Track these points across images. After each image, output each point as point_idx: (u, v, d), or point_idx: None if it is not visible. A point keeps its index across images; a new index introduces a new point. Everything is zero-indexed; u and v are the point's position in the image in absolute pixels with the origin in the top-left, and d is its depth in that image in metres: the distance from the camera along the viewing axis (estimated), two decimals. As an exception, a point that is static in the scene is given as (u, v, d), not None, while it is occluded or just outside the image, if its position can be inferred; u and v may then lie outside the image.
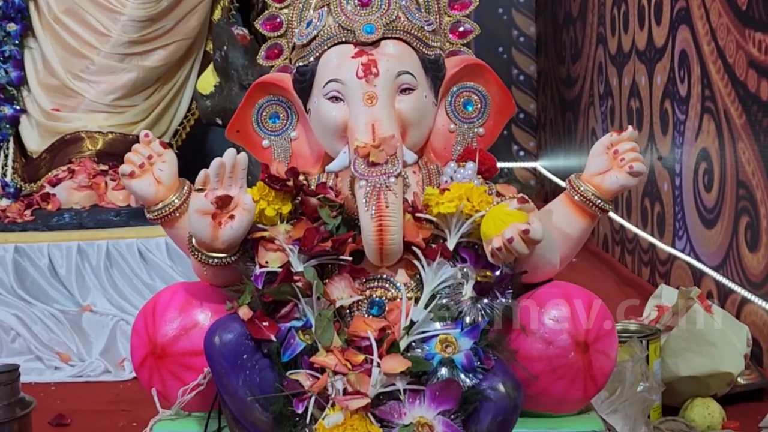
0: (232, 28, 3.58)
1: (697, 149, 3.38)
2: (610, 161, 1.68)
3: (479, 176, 1.68)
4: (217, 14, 3.98)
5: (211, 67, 3.64)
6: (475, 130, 1.76)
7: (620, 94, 4.52)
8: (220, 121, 3.56)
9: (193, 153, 3.92)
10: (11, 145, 3.80)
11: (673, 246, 3.71)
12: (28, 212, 3.46)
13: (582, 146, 5.54)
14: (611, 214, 4.78)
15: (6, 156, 3.79)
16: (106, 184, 3.55)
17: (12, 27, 3.76)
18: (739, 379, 2.58)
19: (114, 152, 3.56)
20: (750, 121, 2.87)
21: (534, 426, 1.63)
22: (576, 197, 1.69)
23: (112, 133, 3.70)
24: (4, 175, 3.75)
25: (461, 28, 1.81)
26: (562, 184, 6.07)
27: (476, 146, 1.74)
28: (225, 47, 3.53)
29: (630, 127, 1.70)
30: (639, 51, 4.13)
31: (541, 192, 6.80)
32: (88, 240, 3.37)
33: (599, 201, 1.68)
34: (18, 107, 3.80)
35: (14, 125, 3.81)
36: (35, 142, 3.78)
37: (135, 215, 3.45)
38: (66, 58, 3.73)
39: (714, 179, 3.21)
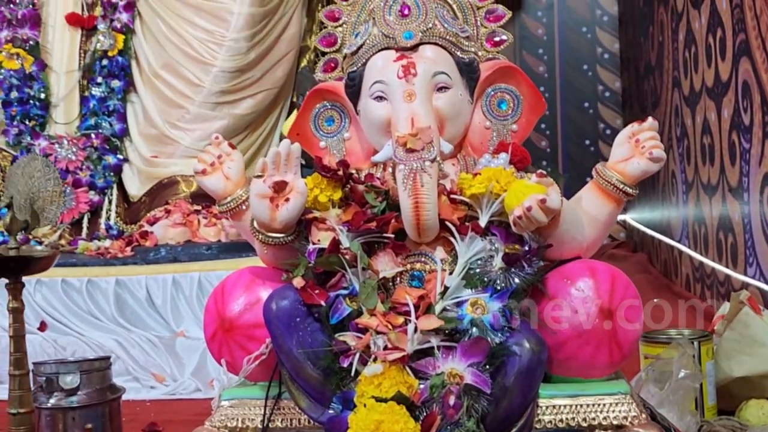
0: (315, 76, 3.84)
1: (761, 174, 3.47)
2: (632, 149, 1.84)
3: (511, 165, 1.85)
4: (303, 66, 4.26)
5: (295, 111, 3.90)
6: (509, 126, 1.94)
7: (694, 133, 4.62)
8: (303, 162, 3.79)
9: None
10: (114, 191, 4.10)
11: (745, 273, 3.78)
12: (128, 249, 3.74)
13: (664, 192, 5.63)
14: (692, 253, 4.85)
15: (110, 201, 4.08)
16: (198, 221, 3.81)
17: (116, 83, 4.09)
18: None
19: (207, 194, 3.82)
20: (804, 139, 2.97)
21: (564, 389, 1.77)
22: (602, 183, 1.85)
23: (205, 176, 3.98)
24: (108, 218, 4.05)
25: (496, 38, 2.00)
26: (650, 232, 6.10)
27: (510, 141, 1.92)
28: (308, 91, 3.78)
29: (650, 118, 1.86)
30: (708, 88, 4.25)
31: (630, 243, 6.86)
32: (182, 272, 3.61)
33: (623, 185, 1.83)
34: (121, 157, 4.10)
35: (117, 173, 4.11)
36: (136, 187, 4.08)
37: (225, 249, 3.70)
38: (164, 109, 4.03)
39: (777, 201, 3.30)
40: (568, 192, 1.90)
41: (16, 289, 1.87)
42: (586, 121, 7.61)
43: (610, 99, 7.64)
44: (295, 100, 4.20)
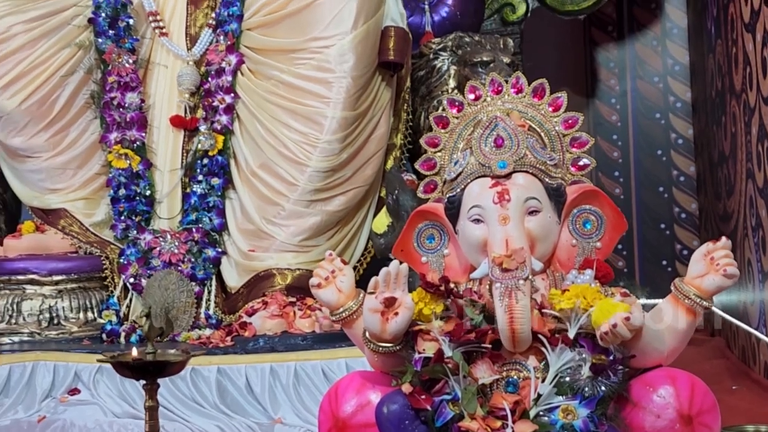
0: (402, 174, 4.06)
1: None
2: (707, 266, 2.03)
3: (596, 281, 2.06)
4: (390, 164, 4.50)
5: (384, 209, 4.10)
6: (593, 244, 2.15)
7: (769, 224, 4.75)
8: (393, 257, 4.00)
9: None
10: (213, 282, 4.33)
11: (822, 365, 3.87)
12: (228, 338, 3.96)
13: (741, 279, 5.72)
14: (769, 341, 4.93)
15: (209, 292, 4.30)
16: (294, 313, 4.03)
17: (216, 181, 4.36)
18: None
19: (301, 286, 4.03)
20: None
21: (648, 488, 1.94)
22: (680, 297, 2.04)
23: (299, 269, 4.19)
24: (208, 308, 4.26)
25: (581, 162, 2.23)
26: (727, 317, 6.18)
27: (594, 257, 2.12)
28: (396, 191, 3.98)
29: (723, 238, 2.05)
30: (781, 183, 4.39)
31: (708, 327, 6.90)
32: (279, 362, 3.80)
33: (700, 300, 2.02)
34: (220, 250, 4.34)
35: (216, 265, 4.34)
36: (234, 279, 4.31)
37: (319, 340, 3.90)
38: (260, 206, 4.28)
39: None
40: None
41: (152, 390, 2.11)
42: (661, 205, 7.72)
43: (684, 183, 7.75)
44: (382, 195, 4.42)
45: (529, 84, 2.27)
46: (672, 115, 7.55)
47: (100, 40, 4.37)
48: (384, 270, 2.02)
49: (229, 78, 4.36)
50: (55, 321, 4.16)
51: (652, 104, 7.59)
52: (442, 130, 2.28)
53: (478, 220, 2.09)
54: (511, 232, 2.03)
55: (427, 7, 4.95)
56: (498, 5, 5.39)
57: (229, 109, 4.36)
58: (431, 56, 4.58)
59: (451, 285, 2.08)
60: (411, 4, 4.93)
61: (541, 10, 5.53)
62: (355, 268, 4.38)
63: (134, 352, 2.07)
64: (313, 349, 3.86)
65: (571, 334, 1.96)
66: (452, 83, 4.49)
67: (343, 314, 2.12)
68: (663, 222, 7.79)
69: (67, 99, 4.37)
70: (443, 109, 2.29)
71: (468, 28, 4.76)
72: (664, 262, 7.56)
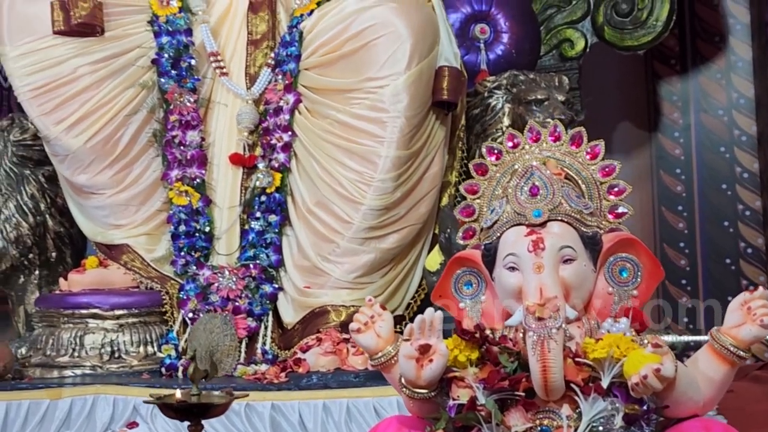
0: (454, 212, 4.09)
1: None
2: (744, 316, 2.03)
3: (632, 329, 2.07)
4: (445, 201, 4.53)
5: (437, 247, 4.13)
6: (630, 292, 2.16)
7: (831, 263, 4.67)
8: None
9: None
10: (270, 318, 4.39)
11: None
12: (283, 374, 4.01)
13: (806, 316, 5.62)
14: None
15: (266, 327, 4.36)
16: (347, 350, 4.07)
17: (273, 218, 4.42)
18: None
19: (356, 323, 4.07)
20: None
21: None
22: (717, 347, 2.04)
23: (353, 306, 4.21)
24: (264, 343, 4.32)
25: (618, 210, 2.25)
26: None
27: (631, 306, 2.13)
28: (449, 230, 4.02)
29: (761, 287, 2.05)
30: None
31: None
32: (331, 398, 3.84)
33: (736, 350, 2.02)
34: (276, 286, 4.40)
35: (273, 301, 4.40)
36: (290, 315, 4.36)
37: (372, 377, 3.93)
38: (316, 243, 4.33)
39: None
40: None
41: (196, 431, 2.16)
42: (726, 239, 7.60)
43: (750, 218, 7.63)
44: (436, 232, 4.45)
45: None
46: (737, 149, 7.45)
47: (162, 80, 4.46)
48: (419, 317, 2.06)
49: (287, 117, 4.42)
50: (116, 355, 4.23)
51: (716, 138, 7.50)
52: (481, 177, 2.32)
53: (513, 268, 2.12)
54: (545, 281, 2.06)
55: (482, 45, 4.99)
56: (556, 41, 5.42)
57: (287, 148, 4.42)
58: (486, 94, 4.60)
59: (487, 332, 2.11)
60: (467, 42, 4.98)
61: (600, 44, 5.53)
62: (408, 305, 4.42)
63: (178, 393, 2.13)
64: (365, 386, 3.89)
65: (605, 384, 1.98)
66: (507, 121, 4.51)
67: (382, 359, 2.16)
68: (728, 257, 7.66)
69: (130, 137, 4.46)
70: (482, 156, 2.33)
71: (524, 66, 4.78)
72: (730, 298, 7.42)
